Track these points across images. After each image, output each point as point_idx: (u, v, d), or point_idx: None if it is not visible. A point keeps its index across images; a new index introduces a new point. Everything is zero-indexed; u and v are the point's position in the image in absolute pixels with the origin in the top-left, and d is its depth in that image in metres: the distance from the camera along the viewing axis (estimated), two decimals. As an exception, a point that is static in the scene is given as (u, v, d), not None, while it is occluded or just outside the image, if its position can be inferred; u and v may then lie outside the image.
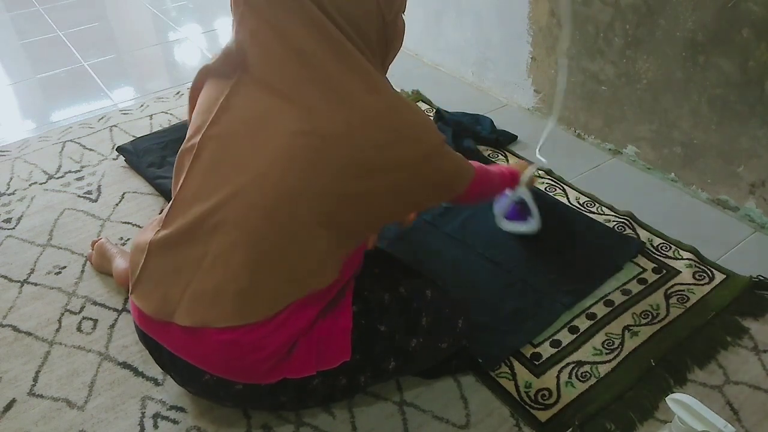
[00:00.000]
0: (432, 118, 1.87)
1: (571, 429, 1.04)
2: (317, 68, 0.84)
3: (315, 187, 0.85)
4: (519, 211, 1.42)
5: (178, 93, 2.15)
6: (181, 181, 0.94)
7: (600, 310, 1.25)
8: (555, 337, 1.21)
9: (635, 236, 1.42)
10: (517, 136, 1.79)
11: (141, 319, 0.99)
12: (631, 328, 1.21)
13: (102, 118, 2.02)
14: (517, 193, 1.38)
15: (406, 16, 0.97)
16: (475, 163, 1.11)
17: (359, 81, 0.86)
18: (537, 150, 1.42)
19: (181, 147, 0.96)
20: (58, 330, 1.28)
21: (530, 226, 1.40)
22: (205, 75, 0.97)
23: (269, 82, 0.86)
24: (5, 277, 1.42)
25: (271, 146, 0.85)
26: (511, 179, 1.34)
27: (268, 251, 0.88)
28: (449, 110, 1.88)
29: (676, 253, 1.38)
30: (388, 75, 0.95)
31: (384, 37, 0.92)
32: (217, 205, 0.88)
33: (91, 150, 1.86)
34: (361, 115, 0.85)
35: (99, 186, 1.70)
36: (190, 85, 1.01)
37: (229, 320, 0.90)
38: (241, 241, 0.88)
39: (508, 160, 1.71)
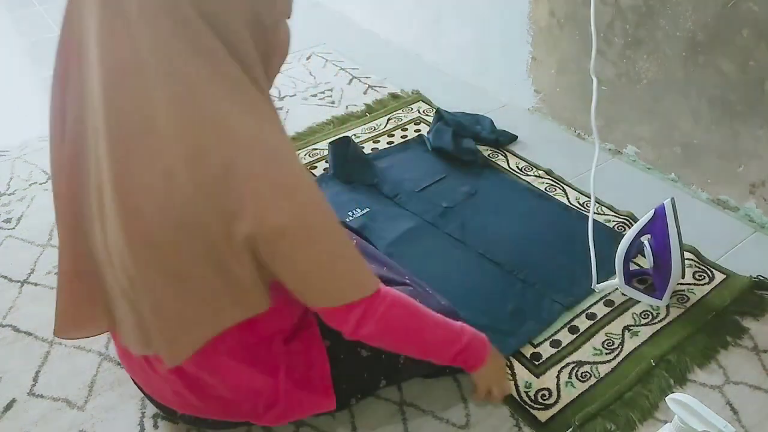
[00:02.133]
0: (432, 118, 1.88)
1: (571, 429, 1.04)
2: (147, 84, 0.70)
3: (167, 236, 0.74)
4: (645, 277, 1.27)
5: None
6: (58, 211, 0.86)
7: (600, 310, 1.25)
8: (555, 337, 1.21)
9: (635, 236, 1.42)
10: (517, 136, 1.79)
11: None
12: (631, 328, 1.21)
13: (102, 118, 2.02)
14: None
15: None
16: (394, 292, 0.88)
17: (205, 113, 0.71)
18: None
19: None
20: (58, 330, 1.28)
21: (652, 300, 1.25)
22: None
23: (98, 94, 0.72)
24: (5, 277, 1.42)
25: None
26: (460, 344, 0.97)
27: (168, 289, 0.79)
28: (449, 110, 1.87)
29: (676, 253, 1.38)
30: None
31: (264, 44, 0.77)
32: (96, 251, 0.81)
33: (91, 150, 1.86)
34: (172, 166, 0.71)
35: (99, 186, 1.70)
36: None
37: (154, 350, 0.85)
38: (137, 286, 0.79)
39: (508, 161, 1.71)
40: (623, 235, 1.24)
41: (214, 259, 0.76)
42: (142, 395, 1.13)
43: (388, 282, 1.05)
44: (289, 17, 0.81)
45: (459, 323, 0.99)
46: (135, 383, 1.05)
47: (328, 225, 0.80)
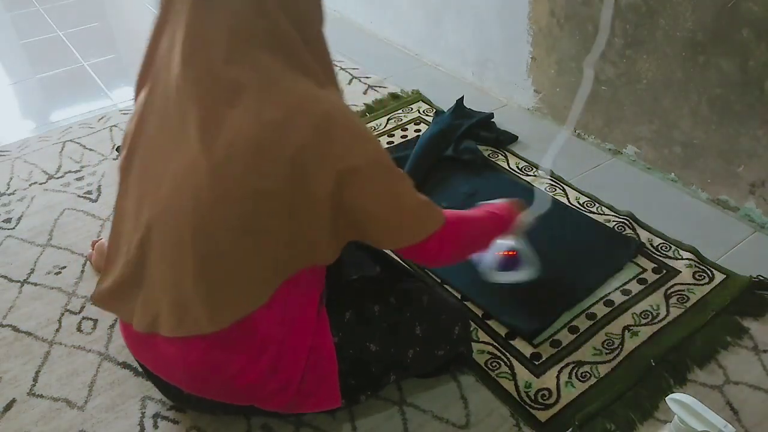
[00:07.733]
0: (432, 118, 1.88)
1: (571, 429, 1.04)
2: (234, 68, 0.80)
3: (227, 201, 0.81)
4: (510, 261, 1.22)
5: (178, 93, 2.15)
6: (117, 200, 0.92)
7: (600, 310, 1.26)
8: (555, 337, 1.21)
9: (635, 236, 1.42)
10: (517, 137, 1.79)
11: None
12: (631, 328, 1.21)
13: (102, 118, 2.02)
14: (508, 244, 1.20)
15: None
16: (451, 212, 0.94)
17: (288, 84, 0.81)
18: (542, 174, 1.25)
19: (119, 160, 0.94)
20: (58, 330, 1.28)
21: (527, 273, 1.22)
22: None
23: (184, 83, 0.83)
24: (5, 277, 1.42)
25: (182, 162, 0.83)
26: (503, 225, 1.10)
27: (215, 257, 0.84)
28: (449, 110, 1.87)
29: (676, 253, 1.38)
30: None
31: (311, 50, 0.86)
32: (147, 228, 0.86)
33: (91, 150, 1.86)
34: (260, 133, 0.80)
35: (99, 186, 1.70)
36: None
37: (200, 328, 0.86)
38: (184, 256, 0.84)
39: (508, 161, 1.71)
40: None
41: (291, 213, 0.81)
42: (142, 395, 1.14)
43: (400, 276, 1.10)
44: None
45: (489, 210, 1.09)
46: (140, 364, 1.04)
47: (397, 169, 0.88)
